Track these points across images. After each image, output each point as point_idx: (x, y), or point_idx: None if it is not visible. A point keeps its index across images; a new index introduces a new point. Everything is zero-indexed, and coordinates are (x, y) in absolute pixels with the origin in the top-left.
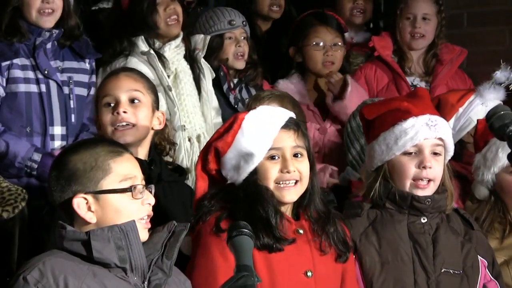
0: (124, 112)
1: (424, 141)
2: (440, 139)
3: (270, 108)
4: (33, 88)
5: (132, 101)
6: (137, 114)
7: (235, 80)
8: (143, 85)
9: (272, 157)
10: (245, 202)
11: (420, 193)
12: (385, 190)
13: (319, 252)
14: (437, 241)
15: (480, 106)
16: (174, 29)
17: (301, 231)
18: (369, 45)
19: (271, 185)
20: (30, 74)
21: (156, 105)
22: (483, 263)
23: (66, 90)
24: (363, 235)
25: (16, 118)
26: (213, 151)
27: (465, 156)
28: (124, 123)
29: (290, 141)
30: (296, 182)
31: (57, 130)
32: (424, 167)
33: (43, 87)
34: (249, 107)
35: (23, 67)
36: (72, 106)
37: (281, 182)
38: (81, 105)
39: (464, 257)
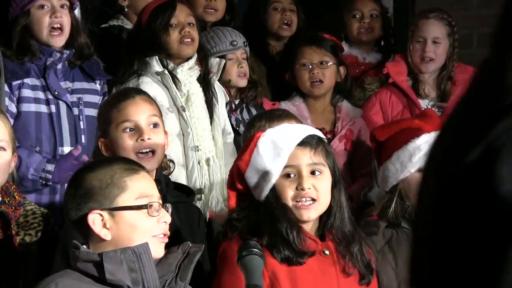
0: (149, 139)
1: None
2: None
3: (287, 125)
4: (43, 108)
5: (152, 125)
6: (157, 139)
7: (236, 102)
8: (157, 108)
9: (287, 175)
10: (266, 220)
11: None
12: (401, 210)
13: (344, 274)
14: None
15: None
16: (186, 49)
17: (327, 252)
18: (384, 72)
19: (290, 203)
20: (40, 95)
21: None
22: None
23: (75, 111)
24: (380, 254)
25: (25, 138)
26: (236, 170)
27: None
28: (148, 150)
29: (305, 158)
30: (314, 200)
31: (67, 150)
32: None
33: (53, 108)
34: (262, 126)
35: (33, 87)
36: (82, 127)
37: (298, 200)
38: (91, 126)
39: None
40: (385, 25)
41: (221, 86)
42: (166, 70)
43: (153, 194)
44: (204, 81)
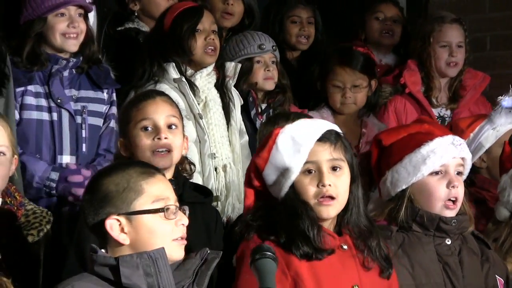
0: (165, 138)
1: (451, 161)
2: (463, 159)
3: (305, 121)
4: (45, 116)
5: (169, 126)
6: (174, 140)
7: (263, 106)
8: (177, 110)
9: (308, 171)
10: (285, 217)
11: (448, 213)
12: (412, 213)
13: (364, 267)
14: (463, 262)
15: (490, 131)
16: (209, 58)
17: (345, 247)
18: (401, 82)
19: (311, 200)
20: (43, 102)
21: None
22: (500, 282)
23: (78, 119)
24: (394, 258)
25: (25, 145)
26: (253, 167)
27: (478, 181)
28: (164, 149)
29: (325, 154)
30: (333, 199)
31: (66, 159)
32: (453, 187)
33: (54, 116)
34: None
35: (37, 95)
36: (83, 135)
37: (320, 197)
38: (94, 135)
39: (485, 277)
40: (404, 33)
41: (236, 90)
42: (184, 77)
43: (169, 197)
44: (221, 86)
